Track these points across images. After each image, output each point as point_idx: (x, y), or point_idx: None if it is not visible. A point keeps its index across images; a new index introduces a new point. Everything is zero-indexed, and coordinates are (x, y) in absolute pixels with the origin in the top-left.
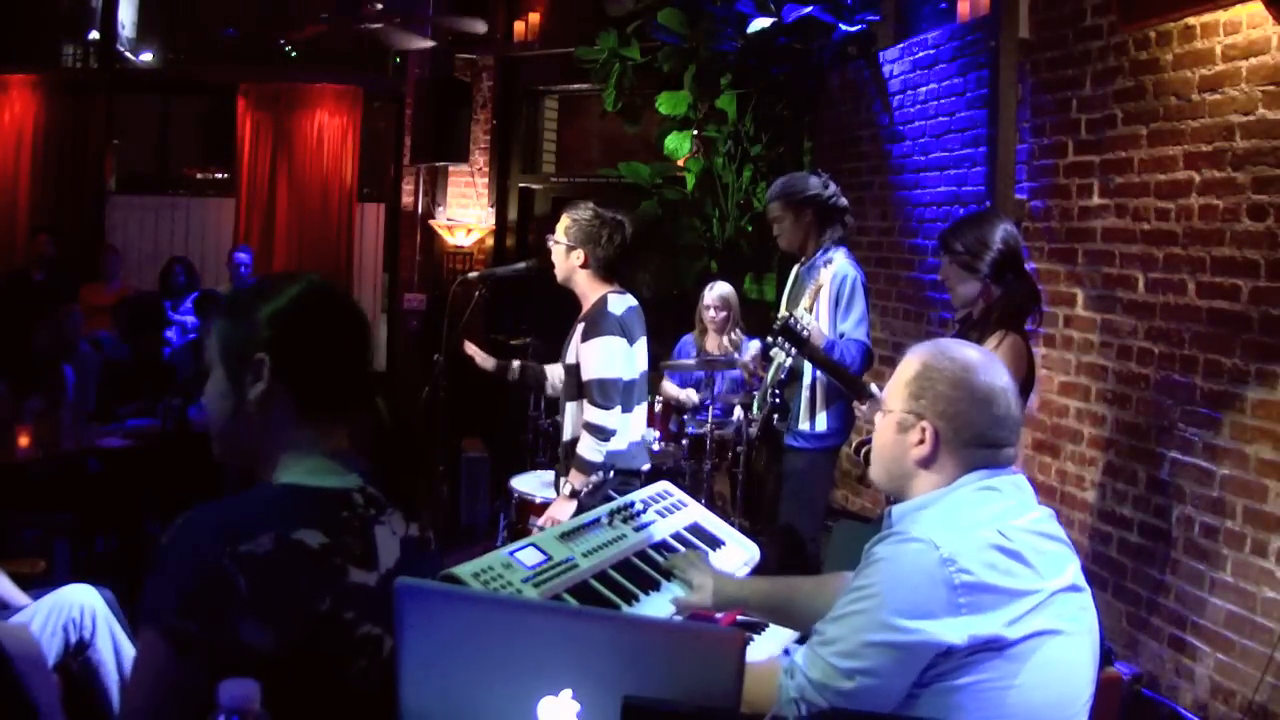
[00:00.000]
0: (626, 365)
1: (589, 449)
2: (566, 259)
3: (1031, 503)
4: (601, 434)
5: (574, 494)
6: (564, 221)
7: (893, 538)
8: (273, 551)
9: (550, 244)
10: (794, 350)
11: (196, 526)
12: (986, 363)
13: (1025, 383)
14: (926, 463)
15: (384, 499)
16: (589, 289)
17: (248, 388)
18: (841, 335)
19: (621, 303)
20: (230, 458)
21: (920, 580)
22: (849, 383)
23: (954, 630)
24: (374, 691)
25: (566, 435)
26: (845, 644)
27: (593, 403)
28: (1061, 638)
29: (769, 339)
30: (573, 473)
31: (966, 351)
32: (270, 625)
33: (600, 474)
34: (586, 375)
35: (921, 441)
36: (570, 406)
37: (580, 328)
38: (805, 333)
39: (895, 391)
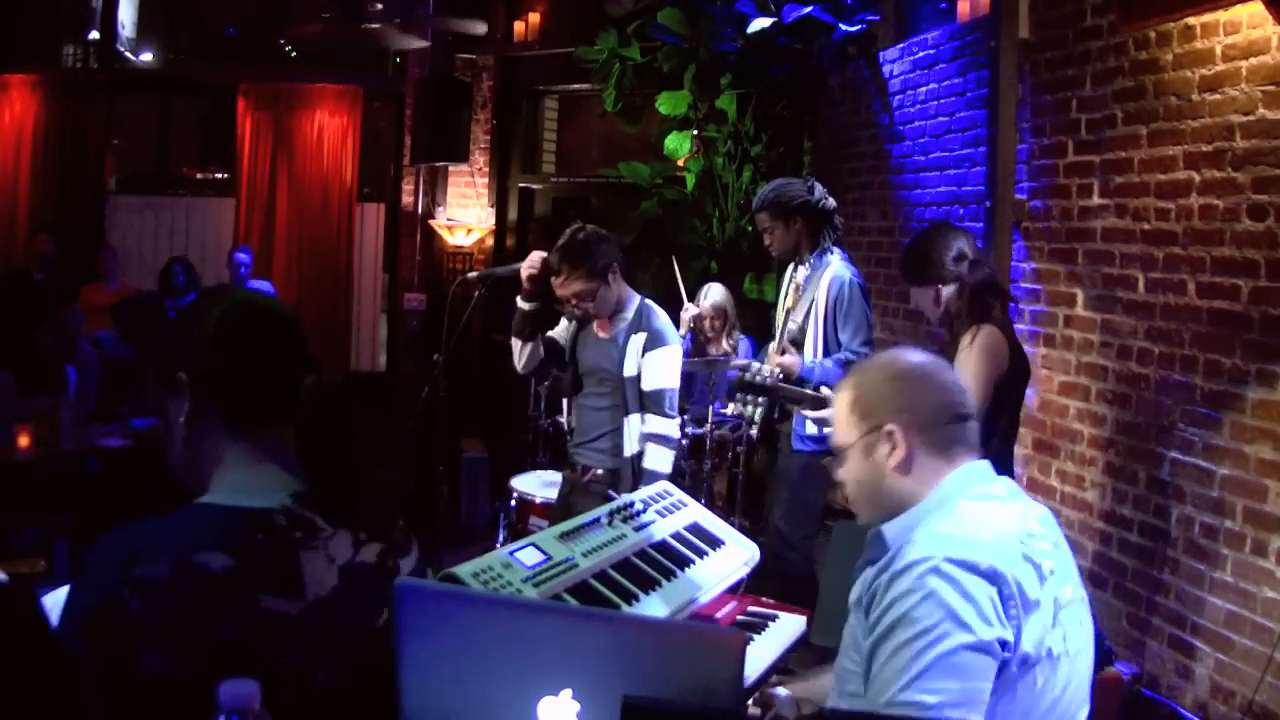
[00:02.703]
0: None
1: (663, 461)
2: (610, 286)
3: (1031, 503)
4: (670, 444)
5: None
6: (576, 263)
7: (918, 569)
8: (170, 576)
9: (578, 307)
10: (760, 399)
11: (102, 549)
12: (900, 350)
13: (1012, 374)
14: (907, 466)
15: (321, 521)
16: (613, 294)
17: (175, 410)
18: (841, 345)
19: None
20: (185, 480)
21: (977, 595)
22: (799, 400)
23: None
24: None
25: (629, 450)
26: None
27: (661, 414)
28: (1066, 662)
29: (734, 400)
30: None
31: (881, 355)
32: (169, 653)
33: None
34: (654, 385)
35: (893, 447)
36: (632, 419)
37: (638, 338)
38: (765, 380)
39: (841, 428)
